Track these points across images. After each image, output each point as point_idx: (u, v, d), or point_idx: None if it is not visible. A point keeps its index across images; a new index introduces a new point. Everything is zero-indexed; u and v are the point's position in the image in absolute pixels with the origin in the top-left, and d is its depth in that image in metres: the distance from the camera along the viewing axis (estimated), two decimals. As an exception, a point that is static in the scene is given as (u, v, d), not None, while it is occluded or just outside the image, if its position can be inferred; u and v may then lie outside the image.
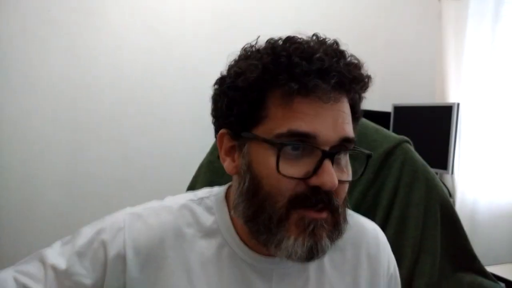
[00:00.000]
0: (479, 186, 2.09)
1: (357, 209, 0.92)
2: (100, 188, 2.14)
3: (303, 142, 0.56)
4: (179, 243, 0.64)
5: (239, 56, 0.64)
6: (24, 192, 2.01)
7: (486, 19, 2.08)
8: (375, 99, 2.68)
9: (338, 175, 0.56)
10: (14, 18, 1.95)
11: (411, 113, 2.35)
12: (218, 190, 0.71)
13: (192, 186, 1.16)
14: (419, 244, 1.06)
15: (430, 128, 2.19)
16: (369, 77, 0.61)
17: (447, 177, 2.24)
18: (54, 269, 0.61)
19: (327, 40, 0.61)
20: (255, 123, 0.59)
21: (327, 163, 0.55)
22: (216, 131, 0.66)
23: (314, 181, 0.55)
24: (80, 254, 0.62)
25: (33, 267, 0.62)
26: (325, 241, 0.57)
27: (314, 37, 0.61)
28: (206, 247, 0.65)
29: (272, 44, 0.60)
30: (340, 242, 0.68)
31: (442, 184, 1.14)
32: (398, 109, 2.42)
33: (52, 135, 2.05)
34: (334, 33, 0.63)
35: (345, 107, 0.59)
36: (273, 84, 0.57)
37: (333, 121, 0.56)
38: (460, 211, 1.87)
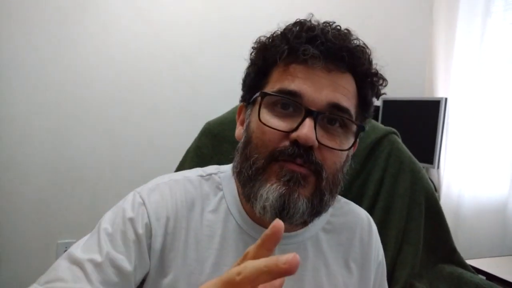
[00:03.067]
0: (464, 181, 2.12)
1: (342, 198, 0.92)
2: (85, 175, 2.12)
3: (288, 99, 0.60)
4: (190, 215, 0.67)
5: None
6: (8, 178, 1.98)
7: (476, 15, 2.09)
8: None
9: (326, 141, 0.60)
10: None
11: (399, 107, 2.36)
12: (226, 167, 0.74)
13: (178, 171, 1.15)
14: (402, 235, 1.07)
15: (418, 123, 2.21)
16: (360, 47, 0.64)
17: (433, 172, 2.26)
18: (91, 261, 0.58)
19: (331, 22, 0.65)
20: (259, 90, 0.64)
21: (309, 120, 0.58)
22: None
23: (293, 134, 0.58)
24: (112, 238, 0.61)
25: (64, 272, 0.58)
26: (301, 198, 0.59)
27: (325, 23, 0.65)
28: (213, 221, 0.67)
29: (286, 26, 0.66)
30: (337, 226, 0.74)
31: (427, 177, 1.15)
32: (387, 103, 2.43)
33: (38, 121, 2.02)
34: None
35: (345, 82, 0.62)
36: (275, 53, 0.62)
37: (324, 87, 0.60)
38: (445, 205, 1.88)
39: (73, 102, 2.08)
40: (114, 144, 2.18)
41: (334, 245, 0.73)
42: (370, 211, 1.07)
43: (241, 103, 0.71)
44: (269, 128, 0.60)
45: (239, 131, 0.69)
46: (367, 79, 0.65)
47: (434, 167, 2.13)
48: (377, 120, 2.39)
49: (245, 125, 0.66)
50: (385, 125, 1.16)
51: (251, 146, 0.62)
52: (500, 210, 2.02)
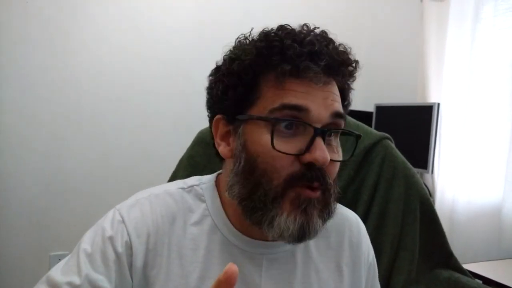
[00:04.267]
0: (458, 185, 2.12)
1: (337, 205, 0.91)
2: (78, 187, 2.11)
3: (296, 117, 0.58)
4: (172, 230, 0.65)
5: (234, 46, 0.66)
6: (0, 189, 1.96)
7: (466, 20, 2.10)
8: (358, 99, 2.69)
9: (332, 155, 0.59)
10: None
11: (392, 112, 2.37)
12: (207, 178, 0.72)
13: (172, 181, 1.14)
14: (398, 241, 1.07)
15: (411, 128, 2.22)
16: (356, 62, 0.64)
17: (427, 177, 2.26)
18: (69, 284, 0.58)
19: (316, 28, 0.64)
20: (249, 105, 0.61)
21: (319, 140, 0.57)
22: (211, 120, 0.68)
23: (307, 157, 0.57)
24: (91, 259, 0.60)
25: None
26: (317, 220, 0.58)
27: (305, 26, 0.64)
28: (197, 233, 0.66)
29: (265, 32, 0.63)
30: (325, 230, 0.70)
31: (421, 181, 1.15)
32: (380, 108, 2.44)
33: (30, 132, 2.00)
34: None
35: (335, 90, 0.62)
36: (266, 67, 0.60)
37: (323, 100, 0.59)
38: (440, 210, 1.88)
39: (66, 113, 2.07)
40: (107, 155, 2.16)
41: (323, 250, 0.72)
42: (365, 216, 1.07)
43: (218, 116, 0.65)
44: (279, 153, 0.57)
45: (224, 148, 0.65)
46: (348, 82, 0.66)
47: (428, 172, 2.13)
48: (370, 126, 2.40)
49: (238, 144, 0.62)
50: (378, 131, 1.16)
51: (259, 172, 0.58)
52: (494, 214, 2.02)
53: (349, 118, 1.15)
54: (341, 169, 1.08)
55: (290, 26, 0.63)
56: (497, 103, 2.01)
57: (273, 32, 0.62)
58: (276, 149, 0.57)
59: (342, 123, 0.62)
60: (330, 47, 0.61)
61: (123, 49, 2.16)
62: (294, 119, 0.58)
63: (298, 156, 0.57)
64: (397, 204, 1.08)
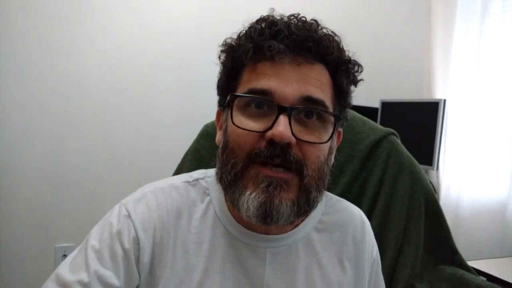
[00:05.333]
0: (463, 182, 2.11)
1: (342, 200, 0.91)
2: (83, 179, 2.12)
3: (259, 99, 0.59)
4: (178, 224, 0.65)
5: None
6: (4, 182, 1.97)
7: (474, 16, 2.08)
8: (363, 95, 2.69)
9: (304, 136, 0.58)
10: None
11: (398, 108, 2.36)
12: (212, 172, 0.72)
13: (177, 174, 1.14)
14: (402, 236, 1.07)
15: (417, 124, 2.21)
16: (330, 36, 0.63)
17: (432, 173, 2.25)
18: (79, 282, 0.58)
19: (297, 15, 0.64)
20: (231, 92, 0.63)
21: (283, 118, 0.57)
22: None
23: (268, 133, 0.57)
24: (99, 255, 0.60)
25: None
26: (283, 202, 0.57)
27: (291, 16, 0.65)
28: (201, 227, 0.66)
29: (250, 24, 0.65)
30: (329, 225, 0.72)
31: (427, 178, 1.14)
32: (385, 104, 2.43)
33: (34, 125, 2.01)
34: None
35: (316, 73, 0.61)
36: (241, 52, 0.62)
37: (294, 81, 0.59)
38: (445, 206, 1.86)
39: (70, 106, 2.08)
40: (112, 148, 2.17)
41: (326, 245, 0.72)
42: (370, 212, 1.07)
43: (218, 108, 0.70)
44: (244, 130, 0.58)
45: (218, 136, 0.68)
46: (340, 67, 0.64)
47: (433, 169, 2.13)
48: (376, 121, 2.39)
49: (222, 129, 0.65)
50: (384, 127, 1.15)
51: (228, 151, 0.60)
52: (499, 211, 2.01)
53: (354, 113, 1.15)
54: (346, 164, 1.09)
55: (269, 15, 0.64)
56: (504, 100, 2.00)
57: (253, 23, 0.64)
58: (235, 124, 0.58)
59: (319, 109, 0.60)
60: (293, 25, 0.60)
61: (126, 43, 2.16)
62: (253, 96, 0.59)
63: (263, 134, 0.57)
64: (402, 200, 1.07)
